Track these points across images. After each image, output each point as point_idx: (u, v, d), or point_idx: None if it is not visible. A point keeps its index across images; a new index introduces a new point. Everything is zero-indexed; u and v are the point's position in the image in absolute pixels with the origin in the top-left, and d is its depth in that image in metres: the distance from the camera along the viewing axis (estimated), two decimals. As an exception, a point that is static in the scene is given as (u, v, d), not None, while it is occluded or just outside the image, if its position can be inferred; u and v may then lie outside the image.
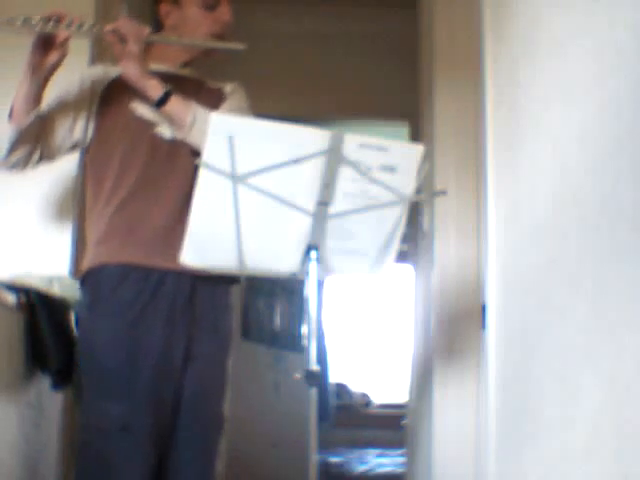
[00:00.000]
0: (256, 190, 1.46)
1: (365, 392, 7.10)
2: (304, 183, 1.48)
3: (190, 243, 1.51)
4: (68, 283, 2.19)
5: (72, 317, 2.12)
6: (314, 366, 1.45)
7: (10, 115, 1.83)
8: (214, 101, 1.95)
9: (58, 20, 1.74)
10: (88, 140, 1.94)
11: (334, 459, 5.46)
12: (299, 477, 1.97)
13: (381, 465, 5.39)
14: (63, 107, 1.92)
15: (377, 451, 5.84)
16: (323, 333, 4.98)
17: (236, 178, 1.44)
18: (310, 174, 1.48)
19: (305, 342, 1.48)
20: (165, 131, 1.88)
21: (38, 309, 2.01)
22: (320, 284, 1.56)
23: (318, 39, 4.06)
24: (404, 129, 4.04)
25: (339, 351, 6.65)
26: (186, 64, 2.03)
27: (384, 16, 3.98)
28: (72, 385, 2.05)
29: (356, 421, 6.56)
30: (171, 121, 1.83)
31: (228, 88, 2.02)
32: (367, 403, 7.02)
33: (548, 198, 1.47)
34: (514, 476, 1.63)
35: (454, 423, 2.51)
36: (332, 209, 1.51)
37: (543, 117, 1.51)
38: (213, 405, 1.87)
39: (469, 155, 2.58)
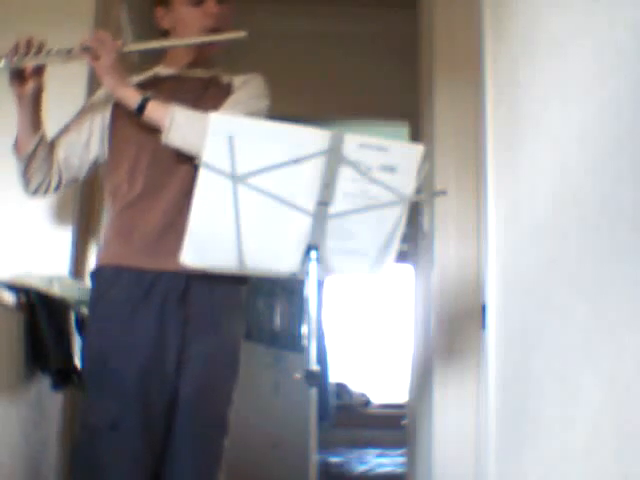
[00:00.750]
0: (256, 190, 1.46)
1: (364, 392, 7.10)
2: (304, 183, 1.48)
3: (190, 243, 1.51)
4: (68, 283, 2.19)
5: (72, 317, 2.12)
6: (314, 366, 1.45)
7: (14, 146, 1.91)
8: (221, 95, 1.96)
9: (26, 51, 1.78)
10: (107, 154, 1.98)
11: (334, 459, 5.46)
12: (299, 477, 1.97)
13: (381, 465, 5.39)
14: (75, 128, 1.98)
15: (377, 451, 5.84)
16: (323, 333, 4.98)
17: (236, 178, 1.44)
18: (310, 174, 1.48)
19: (305, 342, 1.48)
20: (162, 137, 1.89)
21: (38, 309, 2.01)
22: (320, 284, 1.55)
23: (318, 39, 4.06)
24: (404, 129, 4.04)
25: (339, 351, 6.65)
26: (194, 64, 2.04)
27: (384, 16, 3.98)
28: (78, 385, 2.06)
29: (356, 421, 6.56)
30: (154, 127, 1.85)
31: (238, 81, 2.02)
32: (366, 402, 7.02)
33: (548, 198, 1.47)
34: (514, 476, 1.63)
35: (454, 423, 2.51)
36: (332, 209, 1.51)
37: (543, 117, 1.51)
38: (212, 406, 1.86)
39: (469, 155, 2.58)
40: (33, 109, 1.87)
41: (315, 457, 1.58)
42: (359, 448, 5.93)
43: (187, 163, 1.83)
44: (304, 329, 4.04)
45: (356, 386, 7.11)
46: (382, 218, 1.55)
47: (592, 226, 1.22)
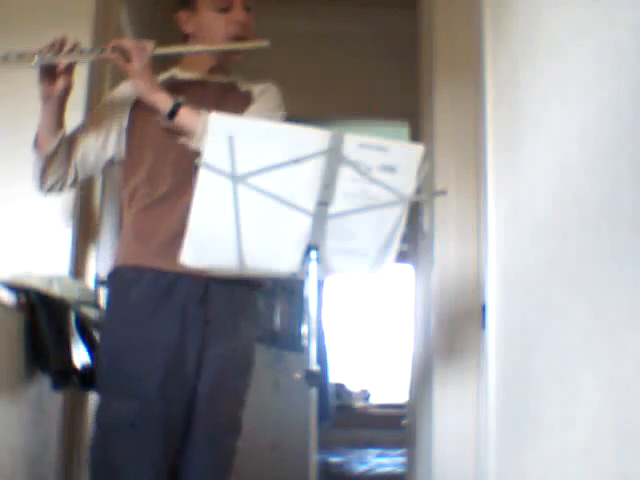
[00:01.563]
0: (256, 190, 1.46)
1: (364, 388, 7.11)
2: (304, 183, 1.48)
3: (190, 243, 1.51)
4: (68, 283, 2.20)
5: (72, 317, 2.12)
6: (314, 366, 1.45)
7: (35, 144, 1.88)
8: (242, 104, 1.96)
9: (59, 48, 1.77)
10: (124, 154, 1.98)
11: (334, 459, 5.46)
12: (299, 477, 1.97)
13: (381, 465, 5.39)
14: (94, 126, 1.97)
15: (377, 451, 5.84)
16: (323, 333, 4.98)
17: (236, 178, 1.44)
18: (310, 174, 1.47)
19: (305, 342, 1.48)
20: (189, 141, 1.89)
21: (38, 309, 2.01)
22: (320, 284, 1.55)
23: (318, 39, 4.07)
24: (404, 129, 4.04)
25: (339, 351, 6.65)
26: (215, 69, 2.04)
27: (384, 16, 3.98)
28: (79, 384, 2.07)
29: (356, 421, 6.56)
30: (184, 132, 1.85)
31: (257, 90, 2.03)
32: (366, 397, 7.03)
33: (548, 198, 1.47)
34: (514, 476, 1.63)
35: (454, 423, 2.52)
36: (332, 209, 1.51)
37: (543, 117, 1.51)
38: (228, 408, 1.88)
39: (469, 155, 2.58)
40: (59, 108, 1.85)
41: (315, 457, 1.58)
42: (359, 448, 5.93)
43: None
44: (304, 329, 4.03)
45: (356, 386, 7.11)
46: (382, 218, 1.55)
47: (592, 226, 1.22)
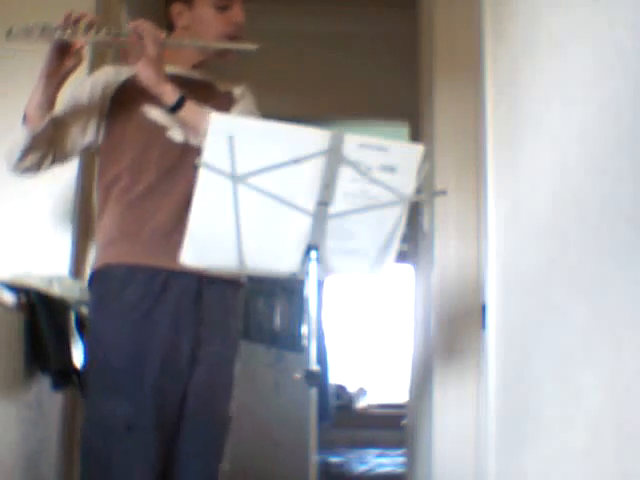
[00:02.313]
0: (256, 190, 1.46)
1: (361, 386, 7.12)
2: (304, 183, 1.48)
3: (190, 243, 1.51)
4: (68, 283, 2.20)
5: (72, 317, 2.12)
6: (314, 366, 1.45)
7: (24, 120, 1.82)
8: (225, 105, 1.95)
9: (75, 24, 1.72)
10: (100, 141, 1.93)
11: (334, 459, 5.46)
12: (299, 477, 1.97)
13: (381, 465, 5.40)
14: (75, 110, 1.92)
15: (377, 451, 5.84)
16: (323, 333, 4.98)
17: (236, 178, 1.44)
18: (310, 174, 1.47)
19: (305, 342, 1.48)
20: (176, 135, 1.87)
21: (38, 309, 2.01)
22: (320, 284, 1.55)
23: (318, 39, 4.06)
24: (404, 129, 4.04)
25: (339, 351, 6.65)
26: (197, 66, 2.02)
27: (384, 16, 3.98)
28: (78, 385, 2.06)
29: (356, 421, 6.57)
30: (185, 127, 1.83)
31: (237, 91, 2.02)
32: (363, 395, 7.04)
33: (548, 198, 1.47)
34: (514, 476, 1.63)
35: (454, 423, 2.51)
36: (332, 209, 1.51)
37: (543, 117, 1.51)
38: (220, 405, 1.88)
39: (469, 155, 2.58)
40: (58, 88, 1.80)
41: (315, 457, 1.58)
42: (359, 448, 5.93)
43: (194, 160, 1.83)
44: (304, 329, 4.03)
45: (355, 386, 7.12)
46: (382, 218, 1.55)
47: (592, 226, 1.22)
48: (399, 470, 4.78)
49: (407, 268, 3.65)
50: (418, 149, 1.54)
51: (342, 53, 4.09)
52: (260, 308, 4.21)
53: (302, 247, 1.53)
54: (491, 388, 1.84)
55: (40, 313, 2.01)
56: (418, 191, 1.55)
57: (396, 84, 3.88)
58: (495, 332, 1.85)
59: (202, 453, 1.83)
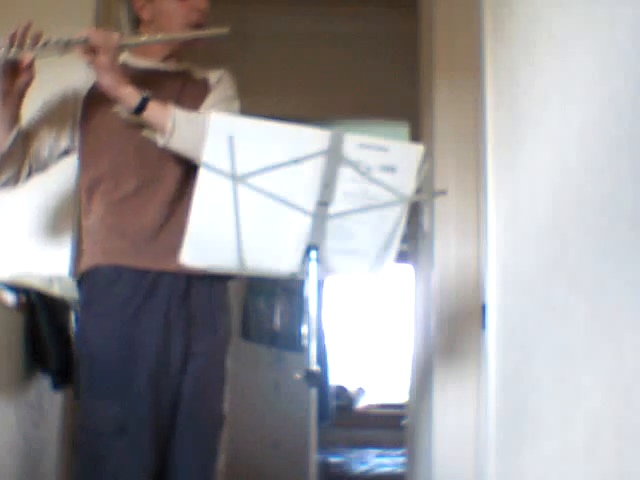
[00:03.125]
0: (256, 190, 1.46)
1: (360, 386, 7.13)
2: (304, 183, 1.48)
3: (190, 243, 1.51)
4: (68, 283, 2.19)
5: (72, 317, 2.12)
6: (314, 366, 1.45)
7: None
8: (199, 93, 1.92)
9: (21, 42, 1.70)
10: (79, 145, 1.92)
11: (334, 459, 5.46)
12: (299, 477, 1.97)
13: (381, 465, 5.40)
14: (48, 118, 1.91)
15: (377, 451, 5.84)
16: (323, 333, 4.98)
17: (236, 178, 1.44)
18: (310, 174, 1.47)
19: (305, 342, 1.48)
20: (153, 134, 1.85)
21: (38, 309, 2.01)
22: (320, 284, 1.55)
23: (318, 39, 4.06)
24: (404, 129, 4.04)
25: (339, 351, 6.65)
26: (170, 56, 1.98)
27: (384, 16, 3.98)
28: (72, 385, 2.05)
29: (356, 421, 6.57)
30: (151, 127, 1.81)
31: (213, 78, 1.98)
32: (361, 394, 7.05)
33: (548, 198, 1.47)
34: (514, 476, 1.63)
35: (454, 423, 2.51)
36: (332, 209, 1.51)
37: (543, 117, 1.51)
38: (212, 404, 1.87)
39: (469, 155, 2.58)
40: (17, 103, 1.79)
41: (315, 457, 1.58)
42: (359, 448, 5.93)
43: (176, 159, 1.81)
44: (304, 329, 4.03)
45: (355, 386, 7.12)
46: (382, 218, 1.55)
47: (592, 226, 1.22)
48: (399, 470, 4.78)
49: (407, 268, 3.65)
50: (418, 149, 1.54)
51: (342, 53, 4.08)
52: (260, 308, 4.21)
53: (302, 247, 1.53)
54: (491, 388, 1.84)
55: (40, 313, 2.01)
56: (418, 191, 1.55)
57: (396, 84, 3.87)
58: (495, 332, 1.85)
59: (196, 453, 1.83)
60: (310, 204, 1.50)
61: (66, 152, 1.94)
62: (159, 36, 1.93)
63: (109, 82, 1.77)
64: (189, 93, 1.90)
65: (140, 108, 1.77)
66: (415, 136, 3.64)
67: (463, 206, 2.58)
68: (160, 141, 1.80)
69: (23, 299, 2.00)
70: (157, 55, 1.97)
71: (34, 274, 2.13)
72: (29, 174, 1.90)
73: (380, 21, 4.02)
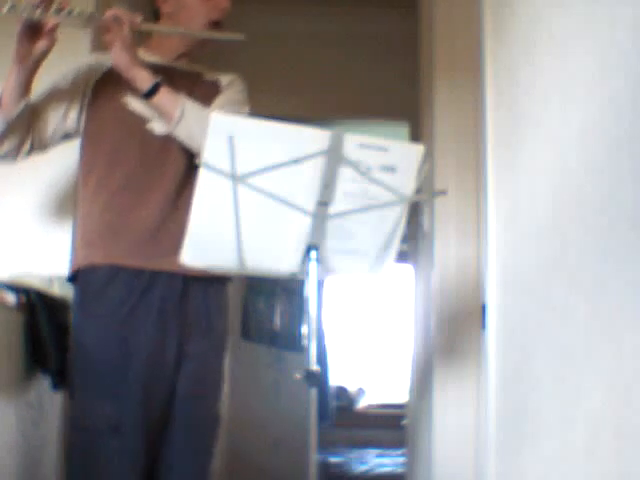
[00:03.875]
0: (256, 190, 1.46)
1: (360, 386, 7.13)
2: (304, 183, 1.48)
3: (190, 243, 1.51)
4: (68, 283, 2.19)
5: (72, 317, 2.12)
6: (314, 366, 1.45)
7: None
8: (209, 93, 1.93)
9: (47, 5, 1.66)
10: (81, 130, 1.91)
11: (334, 459, 5.46)
12: (299, 477, 1.97)
13: (381, 465, 5.40)
14: (56, 97, 1.89)
15: (377, 451, 5.84)
16: (323, 333, 4.98)
17: (236, 178, 1.44)
18: (310, 174, 1.47)
19: (305, 342, 1.48)
20: (157, 127, 1.85)
21: (38, 309, 2.01)
22: (320, 284, 1.55)
23: (318, 39, 4.06)
24: (404, 129, 4.04)
25: (339, 351, 6.65)
26: (182, 55, 1.99)
27: (384, 16, 3.98)
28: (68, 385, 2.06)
29: (356, 421, 6.57)
30: (159, 113, 1.81)
31: (224, 80, 1.99)
32: (362, 394, 7.05)
33: (548, 198, 1.47)
34: (514, 476, 1.63)
35: (454, 423, 2.51)
36: (332, 209, 1.51)
37: (543, 117, 1.51)
38: (207, 405, 1.87)
39: (469, 155, 2.58)
40: (32, 71, 1.76)
41: (315, 457, 1.58)
42: (359, 448, 5.94)
43: (177, 156, 1.82)
44: (304, 329, 4.04)
45: (355, 386, 7.12)
46: (382, 218, 1.55)
47: (592, 226, 1.22)
48: (399, 470, 4.78)
49: (407, 268, 3.65)
50: (418, 149, 1.54)
51: (342, 53, 4.08)
52: (260, 308, 4.21)
53: (302, 247, 1.53)
54: (491, 388, 1.83)
55: (40, 313, 2.01)
56: (418, 191, 1.55)
57: (396, 84, 3.87)
58: (495, 332, 1.85)
59: (190, 453, 1.83)
60: (310, 204, 1.50)
61: (68, 135, 1.93)
62: (180, 29, 1.93)
63: (125, 61, 1.75)
64: (200, 92, 1.90)
65: (151, 92, 1.76)
66: (415, 136, 3.64)
67: (463, 206, 2.58)
68: (166, 127, 1.79)
69: (23, 299, 2.00)
70: (170, 53, 1.97)
71: (34, 274, 2.13)
72: (29, 151, 1.88)
73: (380, 21, 4.01)
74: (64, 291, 2.13)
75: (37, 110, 1.86)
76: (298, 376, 1.45)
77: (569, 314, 1.31)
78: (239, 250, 1.51)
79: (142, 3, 2.45)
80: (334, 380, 6.02)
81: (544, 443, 1.42)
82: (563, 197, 1.37)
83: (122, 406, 1.74)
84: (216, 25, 1.95)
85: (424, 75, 3.03)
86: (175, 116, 1.76)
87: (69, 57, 1.94)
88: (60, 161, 2.11)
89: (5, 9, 1.64)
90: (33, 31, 1.70)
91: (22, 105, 1.79)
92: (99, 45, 2.45)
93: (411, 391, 3.48)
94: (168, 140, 1.83)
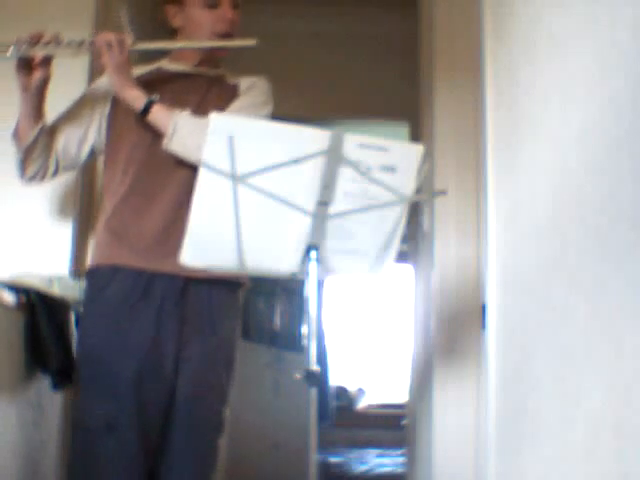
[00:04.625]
0: (256, 190, 1.46)
1: (359, 386, 7.13)
2: (304, 183, 1.48)
3: (190, 243, 1.51)
4: (68, 283, 2.20)
5: (72, 317, 2.12)
6: (314, 366, 1.45)
7: (14, 135, 1.88)
8: (225, 96, 1.97)
9: (35, 41, 1.77)
10: (104, 144, 1.98)
11: (334, 459, 5.46)
12: (299, 477, 1.97)
13: (381, 465, 5.40)
14: (75, 115, 1.97)
15: (377, 451, 5.84)
16: (323, 333, 4.98)
17: (236, 178, 1.44)
18: (310, 174, 1.47)
19: (305, 342, 1.48)
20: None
21: (38, 309, 2.01)
22: (320, 284, 1.55)
23: (318, 39, 4.06)
24: (404, 129, 4.04)
25: (339, 351, 6.65)
26: (203, 62, 2.04)
27: (384, 16, 3.98)
28: (73, 384, 2.06)
29: (356, 421, 6.57)
30: (156, 130, 1.85)
31: (244, 84, 2.02)
32: (362, 394, 7.05)
33: (548, 198, 1.47)
34: (514, 476, 1.63)
35: (454, 423, 2.51)
36: (332, 209, 1.51)
37: (543, 117, 1.51)
38: (209, 407, 1.87)
39: (469, 155, 2.58)
40: (37, 99, 1.85)
41: (315, 457, 1.58)
42: (359, 448, 5.93)
43: (186, 165, 1.83)
44: (304, 329, 4.03)
45: (355, 387, 7.12)
46: (382, 218, 1.55)
47: (592, 226, 1.22)
48: (399, 470, 4.78)
49: (407, 268, 3.65)
50: (418, 149, 1.54)
51: (342, 53, 4.09)
52: (260, 308, 4.21)
53: (302, 247, 1.53)
54: (491, 388, 1.83)
55: (40, 313, 2.01)
56: (418, 191, 1.55)
57: (396, 84, 3.87)
58: (495, 332, 1.85)
59: (190, 456, 1.82)
60: (310, 204, 1.50)
61: (93, 151, 2.00)
62: (178, 43, 1.99)
63: (117, 83, 1.83)
64: (215, 95, 1.94)
65: (145, 110, 1.82)
66: (415, 136, 3.65)
67: (463, 206, 2.58)
68: (162, 145, 1.83)
69: (23, 299, 2.00)
70: (191, 60, 2.03)
71: (34, 274, 2.13)
72: (56, 171, 1.97)
73: (380, 21, 4.02)
74: (64, 291, 2.13)
75: (57, 132, 1.94)
76: (298, 376, 1.45)
77: (569, 314, 1.31)
78: (239, 250, 1.51)
79: (143, 9, 2.46)
80: (334, 380, 6.02)
81: (544, 443, 1.42)
82: (563, 197, 1.37)
83: (116, 405, 1.75)
84: (224, 37, 1.99)
85: (424, 75, 3.03)
86: (169, 132, 1.80)
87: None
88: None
89: None
90: (26, 65, 1.80)
91: (37, 131, 1.87)
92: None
93: (411, 391, 3.48)
94: None
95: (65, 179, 2.37)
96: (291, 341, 4.30)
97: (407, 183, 1.52)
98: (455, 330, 2.57)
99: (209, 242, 1.52)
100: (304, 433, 1.68)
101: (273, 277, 1.71)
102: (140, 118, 1.86)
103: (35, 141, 1.87)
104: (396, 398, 6.62)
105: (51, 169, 1.94)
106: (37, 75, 1.81)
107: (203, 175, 1.46)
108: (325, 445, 5.08)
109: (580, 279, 1.27)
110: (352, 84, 4.06)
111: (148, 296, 1.81)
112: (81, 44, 1.82)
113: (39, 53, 1.78)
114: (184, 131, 1.79)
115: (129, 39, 1.83)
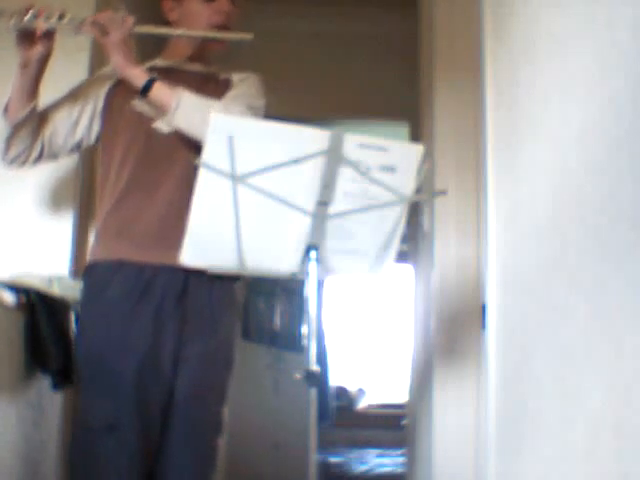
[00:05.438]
0: (256, 190, 1.46)
1: (360, 387, 7.13)
2: (304, 183, 1.48)
3: (190, 243, 1.51)
4: (68, 283, 2.20)
5: (72, 317, 2.12)
6: (314, 366, 1.45)
7: (5, 110, 1.85)
8: (219, 90, 1.96)
9: (37, 14, 1.74)
10: (93, 139, 1.96)
11: (334, 459, 5.46)
12: (299, 477, 1.97)
13: (381, 465, 5.40)
14: (67, 105, 1.94)
15: (377, 451, 5.84)
16: (323, 333, 4.98)
17: (236, 178, 1.44)
18: (310, 174, 1.47)
19: (305, 342, 1.48)
20: (163, 126, 1.88)
21: (38, 309, 2.01)
22: (320, 284, 1.55)
23: (318, 39, 4.06)
24: (404, 129, 4.04)
25: (339, 351, 6.65)
26: (194, 58, 2.03)
27: (384, 16, 3.98)
28: (74, 384, 2.06)
29: (356, 421, 6.56)
30: (158, 108, 1.84)
31: (237, 77, 2.03)
32: (362, 394, 7.05)
33: (548, 198, 1.47)
34: (514, 476, 1.63)
35: (454, 423, 2.51)
36: (332, 209, 1.51)
37: (543, 117, 1.51)
38: (208, 406, 1.86)
39: (469, 155, 2.58)
40: (35, 75, 1.82)
41: (315, 457, 1.58)
42: (359, 448, 5.93)
43: (184, 155, 1.83)
44: (304, 329, 4.04)
45: (355, 386, 7.12)
46: (382, 218, 1.55)
47: (592, 226, 1.22)
48: (399, 470, 4.78)
49: (407, 268, 3.65)
50: (418, 149, 1.54)
51: (342, 53, 4.09)
52: (260, 308, 4.21)
53: (302, 247, 1.53)
54: (491, 388, 1.83)
55: (40, 313, 2.01)
56: (418, 191, 1.55)
57: (396, 84, 3.87)
58: (495, 332, 1.85)
59: (189, 456, 1.81)
60: (310, 204, 1.50)
61: (80, 144, 1.98)
62: (178, 31, 1.99)
63: (119, 61, 1.82)
64: (210, 91, 1.93)
65: (147, 88, 1.81)
66: (415, 136, 3.65)
67: (463, 206, 2.58)
68: (166, 122, 1.82)
69: (23, 299, 2.00)
70: (182, 56, 2.03)
71: (34, 274, 2.13)
72: (39, 157, 1.93)
73: (380, 21, 4.02)
74: (64, 291, 2.13)
75: (47, 119, 1.91)
76: (298, 376, 1.45)
77: (569, 314, 1.31)
78: (239, 250, 1.51)
79: (141, 6, 2.46)
80: (334, 380, 6.02)
81: (544, 443, 1.42)
82: (563, 197, 1.37)
83: (116, 404, 1.75)
84: (221, 29, 1.99)
85: (424, 75, 3.03)
86: (172, 107, 1.79)
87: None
88: (60, 161, 2.12)
89: None
90: (28, 37, 1.77)
91: (28, 109, 1.84)
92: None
93: (411, 391, 3.48)
94: (174, 139, 1.85)
95: (65, 179, 2.37)
96: (291, 341, 4.30)
97: (407, 183, 1.52)
98: (455, 330, 2.57)
99: (209, 242, 1.52)
100: (304, 433, 1.68)
101: (273, 277, 1.71)
102: (139, 107, 1.85)
103: (25, 119, 1.84)
104: (396, 398, 6.62)
105: (34, 154, 1.90)
106: (38, 49, 1.78)
107: (203, 175, 1.46)
108: (325, 445, 5.07)
109: (580, 279, 1.27)
110: (352, 84, 4.06)
111: (149, 293, 1.80)
112: (82, 22, 1.80)
113: (40, 26, 1.75)
114: (188, 106, 1.78)
115: (130, 19, 1.82)
